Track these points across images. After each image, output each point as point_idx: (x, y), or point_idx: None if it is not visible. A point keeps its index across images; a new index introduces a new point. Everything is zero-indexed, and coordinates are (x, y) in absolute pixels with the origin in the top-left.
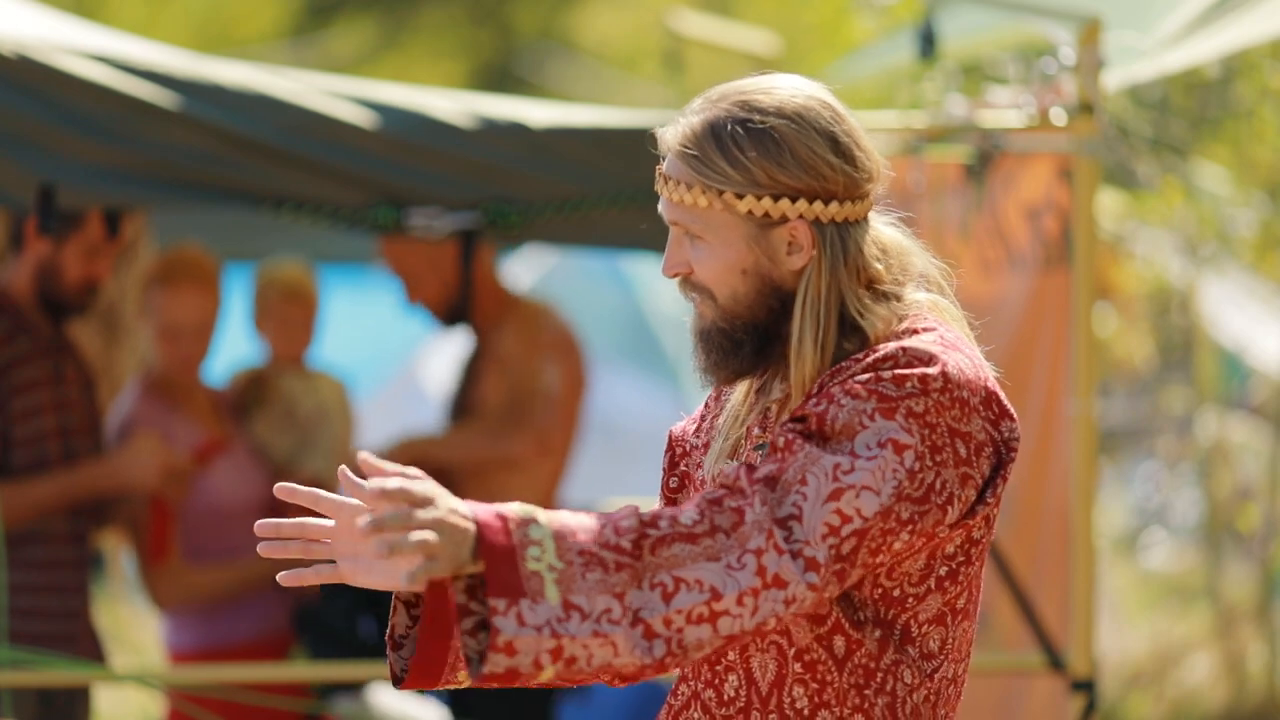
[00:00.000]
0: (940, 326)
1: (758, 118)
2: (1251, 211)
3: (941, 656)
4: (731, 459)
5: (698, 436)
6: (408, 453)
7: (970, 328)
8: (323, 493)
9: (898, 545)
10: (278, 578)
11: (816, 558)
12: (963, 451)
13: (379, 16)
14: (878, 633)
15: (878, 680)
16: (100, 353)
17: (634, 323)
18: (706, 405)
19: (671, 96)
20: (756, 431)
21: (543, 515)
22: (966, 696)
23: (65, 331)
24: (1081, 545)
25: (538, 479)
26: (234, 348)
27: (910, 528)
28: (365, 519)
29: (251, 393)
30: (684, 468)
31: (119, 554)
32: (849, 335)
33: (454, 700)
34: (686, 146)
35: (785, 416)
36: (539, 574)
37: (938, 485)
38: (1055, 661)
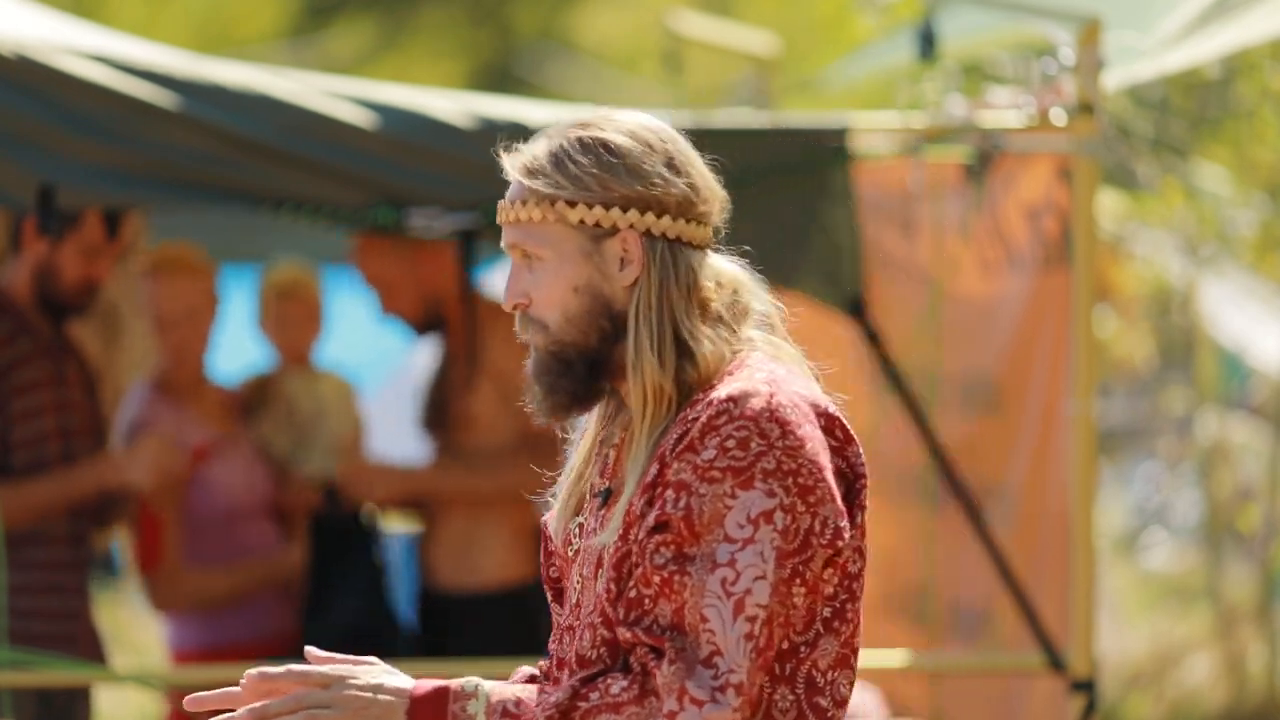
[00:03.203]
0: (775, 360)
1: (593, 133)
2: (1251, 212)
3: (848, 701)
4: (577, 516)
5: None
6: (410, 483)
7: (829, 361)
8: (231, 690)
9: (798, 600)
10: None
11: (742, 681)
12: (832, 482)
13: (378, 17)
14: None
15: None
16: (100, 353)
17: None
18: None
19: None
20: (596, 480)
21: (486, 689)
22: (967, 697)
23: (66, 332)
24: (1081, 545)
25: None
26: (246, 352)
27: (799, 579)
28: (249, 709)
29: (257, 394)
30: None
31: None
32: (685, 359)
33: None
34: (523, 168)
35: (633, 454)
36: None
37: (816, 526)
38: (1055, 662)
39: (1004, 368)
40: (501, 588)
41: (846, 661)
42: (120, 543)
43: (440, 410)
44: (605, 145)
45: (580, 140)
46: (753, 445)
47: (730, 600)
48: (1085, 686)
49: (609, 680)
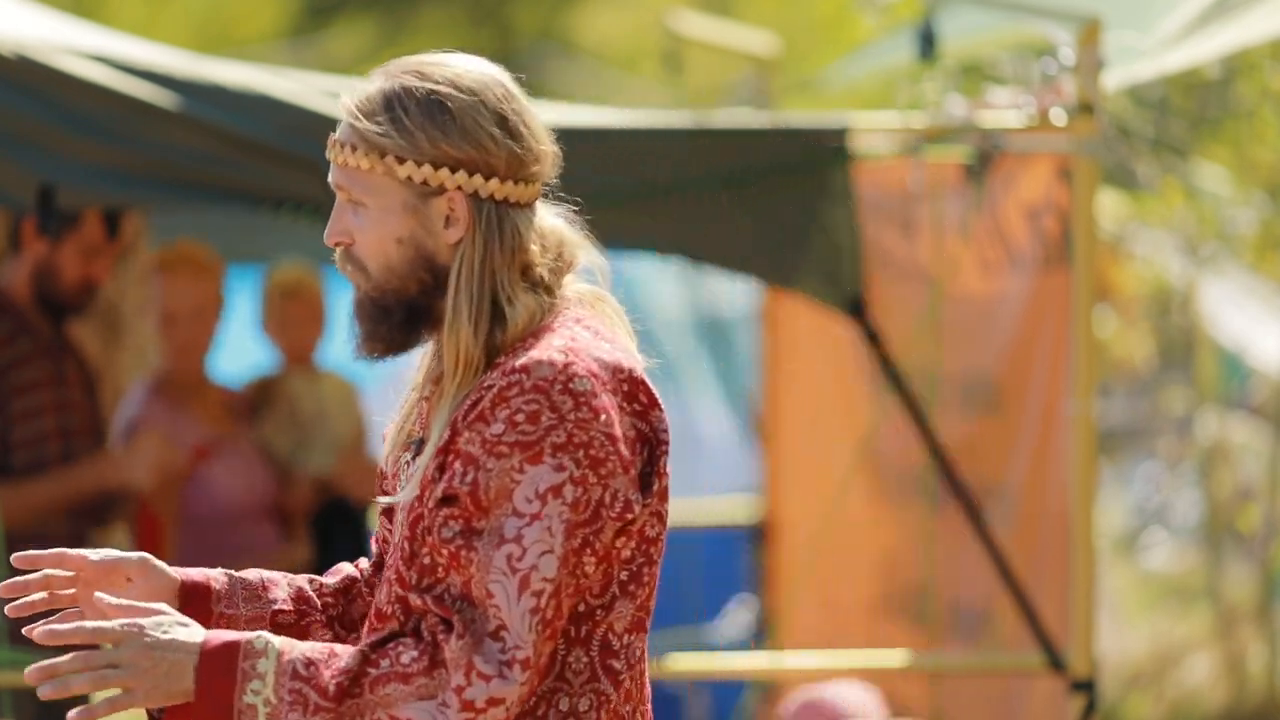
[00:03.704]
0: (583, 321)
1: (428, 86)
2: (1251, 211)
3: (642, 662)
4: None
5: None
6: None
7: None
8: (69, 552)
9: (589, 570)
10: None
11: (528, 656)
12: (626, 453)
13: (378, 17)
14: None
15: (531, 704)
16: (100, 353)
17: (633, 322)
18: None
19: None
20: (414, 428)
21: (276, 646)
22: (967, 697)
23: (66, 332)
24: (1081, 545)
25: None
26: (248, 353)
27: (590, 550)
28: (36, 667)
29: (260, 394)
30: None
31: None
32: (498, 323)
33: None
34: (357, 111)
35: (438, 414)
36: (254, 707)
37: (607, 498)
38: (1055, 662)
39: (1004, 368)
40: None
41: (642, 625)
42: (120, 543)
43: None
44: (439, 100)
45: (415, 91)
46: (543, 419)
47: (516, 576)
48: (1085, 686)
49: (400, 648)
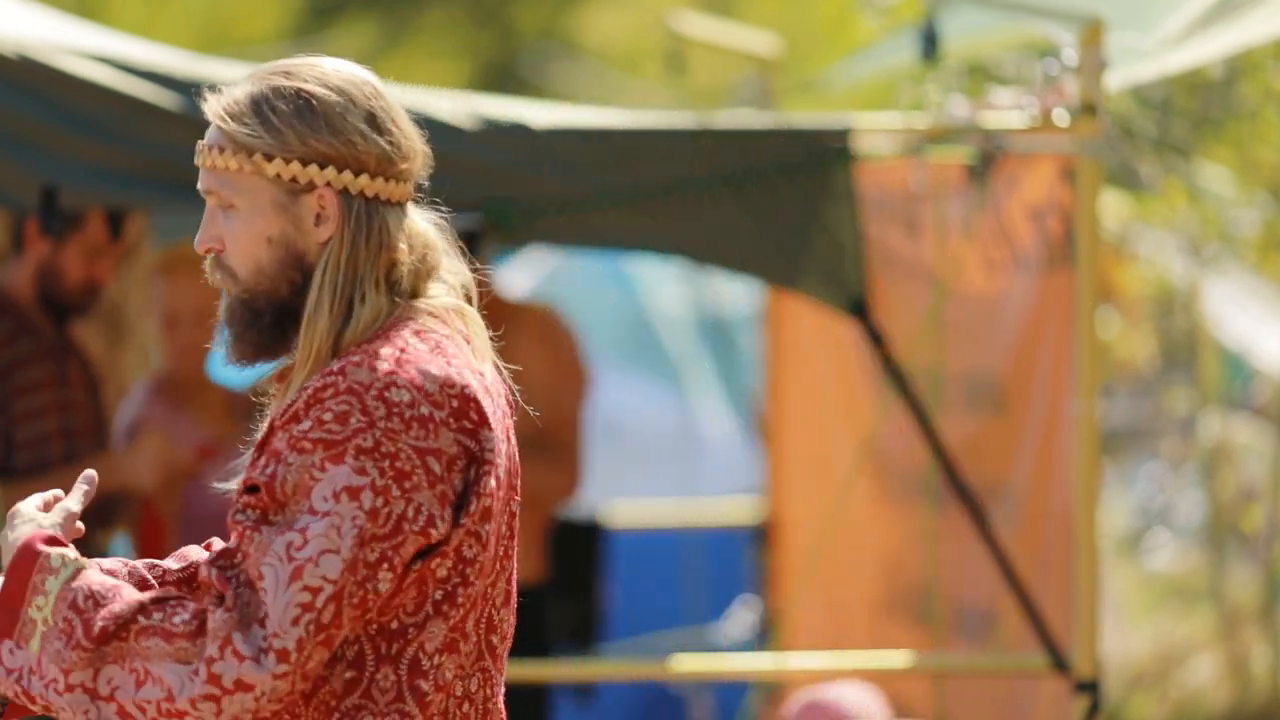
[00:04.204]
0: (425, 332)
1: (296, 85)
2: (1255, 212)
3: (457, 682)
4: None
5: None
6: None
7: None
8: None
9: (383, 587)
10: None
11: (286, 648)
12: (436, 469)
13: (380, 17)
14: (349, 674)
15: None
16: (104, 354)
17: (636, 324)
18: None
19: (674, 97)
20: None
21: (69, 569)
22: (971, 697)
23: (69, 333)
24: (1085, 546)
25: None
26: None
27: (385, 565)
28: None
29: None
30: None
31: None
32: (348, 321)
33: None
34: (224, 113)
35: (281, 403)
36: (34, 622)
37: (410, 513)
38: (1059, 663)
39: (1008, 368)
40: None
41: (455, 646)
42: (122, 543)
43: None
44: (307, 98)
45: (282, 90)
46: (352, 420)
47: (290, 565)
48: (1089, 687)
49: (177, 608)
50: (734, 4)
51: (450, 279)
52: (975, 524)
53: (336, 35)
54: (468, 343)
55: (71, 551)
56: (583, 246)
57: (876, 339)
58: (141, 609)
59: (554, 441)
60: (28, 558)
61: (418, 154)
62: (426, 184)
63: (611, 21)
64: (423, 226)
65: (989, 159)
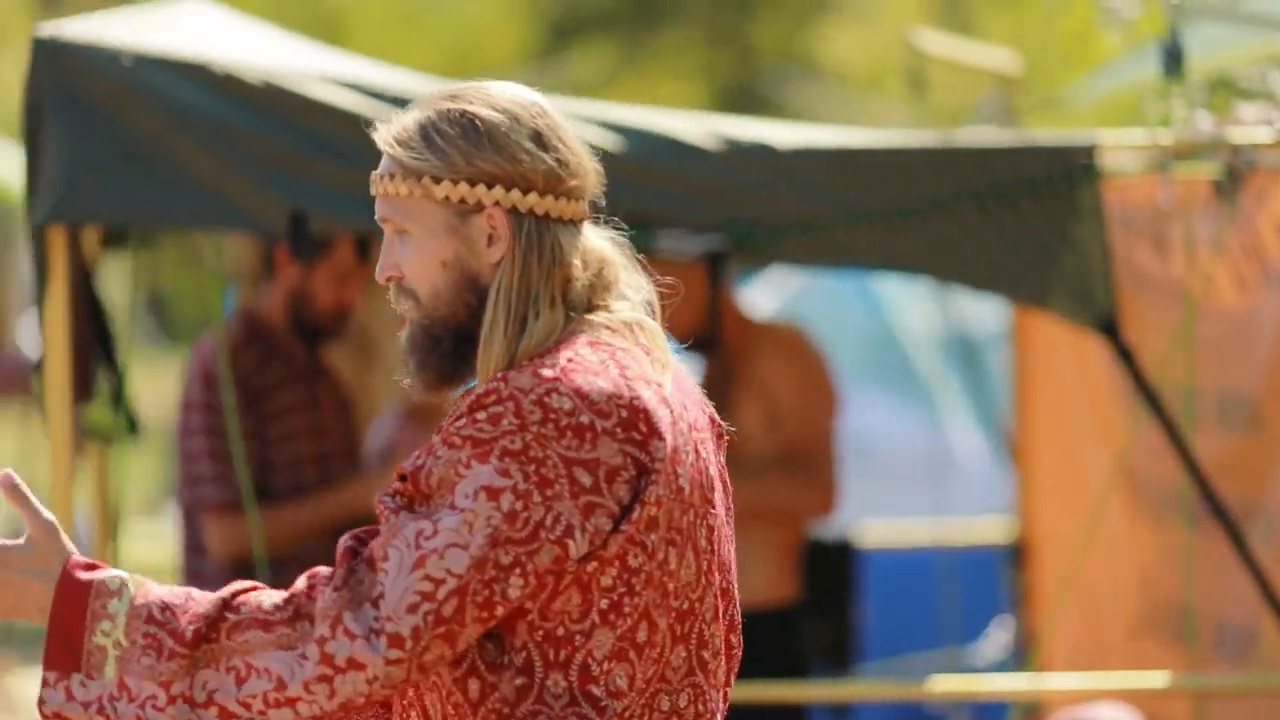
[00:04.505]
0: (598, 344)
1: (461, 107)
2: None
3: (632, 693)
4: None
5: None
6: None
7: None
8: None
9: (513, 592)
10: None
11: (400, 632)
12: (586, 481)
13: (619, 38)
14: (519, 680)
15: None
16: (354, 377)
17: (884, 343)
18: None
19: (914, 116)
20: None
21: (132, 588)
22: (1231, 717)
23: (320, 357)
24: None
25: (803, 525)
26: None
27: (518, 570)
28: None
29: None
30: None
31: None
32: (520, 336)
33: None
34: (393, 140)
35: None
36: (104, 649)
37: (548, 521)
38: None
39: (1261, 385)
40: (765, 608)
41: (624, 655)
42: None
43: None
44: (472, 119)
45: (448, 113)
46: (504, 422)
47: (416, 552)
48: None
49: (261, 595)
50: (974, 21)
51: (632, 294)
52: (1232, 542)
53: (576, 57)
54: (647, 355)
55: (122, 571)
56: (828, 266)
57: (1127, 356)
58: (225, 605)
59: (807, 461)
60: (75, 588)
61: (589, 171)
62: (671, 206)
63: (850, 40)
64: (598, 243)
65: (1236, 175)
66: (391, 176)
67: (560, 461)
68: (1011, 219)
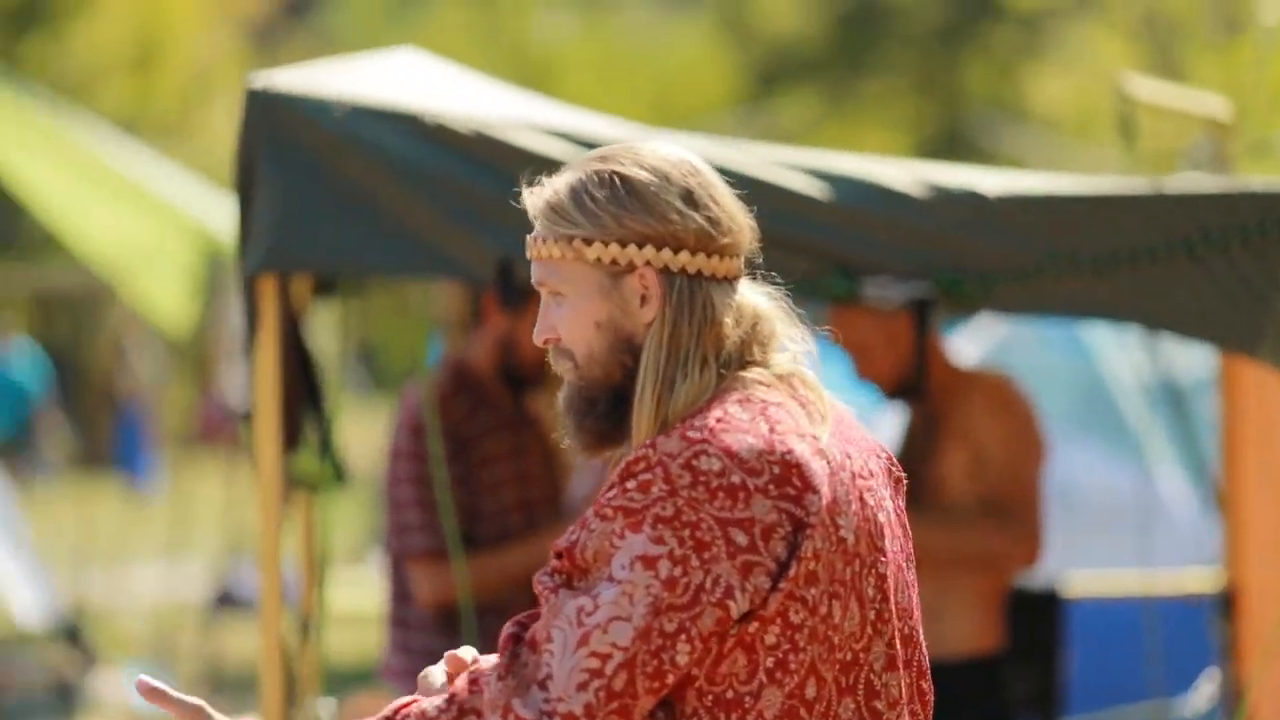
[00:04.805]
0: (750, 400)
1: (611, 168)
2: None
3: None
4: None
5: None
6: None
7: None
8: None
9: (681, 659)
10: None
11: (573, 711)
12: (741, 540)
13: (824, 85)
14: None
15: None
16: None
17: (1092, 391)
18: None
19: (1124, 162)
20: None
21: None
22: None
23: (525, 405)
24: None
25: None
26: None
27: (684, 636)
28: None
29: None
30: None
31: None
32: (668, 397)
33: None
34: (545, 204)
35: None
36: None
37: (708, 584)
38: None
39: None
40: (969, 657)
41: (794, 713)
42: None
43: (909, 473)
44: (622, 180)
45: (598, 175)
46: (654, 489)
47: (579, 630)
48: None
49: (419, 704)
50: (1184, 66)
51: (792, 346)
52: None
53: (781, 103)
54: (803, 407)
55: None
56: (1037, 314)
57: None
58: (394, 713)
59: (1011, 510)
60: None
61: (743, 229)
62: (878, 253)
63: (1059, 86)
64: (753, 299)
65: None
66: (544, 240)
67: (714, 523)
68: (1222, 265)
